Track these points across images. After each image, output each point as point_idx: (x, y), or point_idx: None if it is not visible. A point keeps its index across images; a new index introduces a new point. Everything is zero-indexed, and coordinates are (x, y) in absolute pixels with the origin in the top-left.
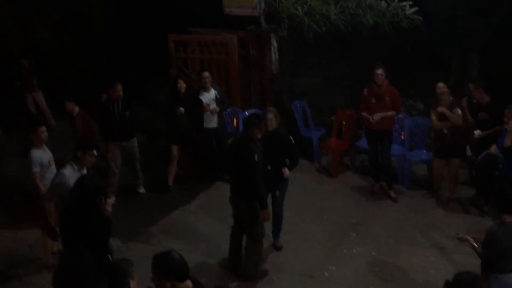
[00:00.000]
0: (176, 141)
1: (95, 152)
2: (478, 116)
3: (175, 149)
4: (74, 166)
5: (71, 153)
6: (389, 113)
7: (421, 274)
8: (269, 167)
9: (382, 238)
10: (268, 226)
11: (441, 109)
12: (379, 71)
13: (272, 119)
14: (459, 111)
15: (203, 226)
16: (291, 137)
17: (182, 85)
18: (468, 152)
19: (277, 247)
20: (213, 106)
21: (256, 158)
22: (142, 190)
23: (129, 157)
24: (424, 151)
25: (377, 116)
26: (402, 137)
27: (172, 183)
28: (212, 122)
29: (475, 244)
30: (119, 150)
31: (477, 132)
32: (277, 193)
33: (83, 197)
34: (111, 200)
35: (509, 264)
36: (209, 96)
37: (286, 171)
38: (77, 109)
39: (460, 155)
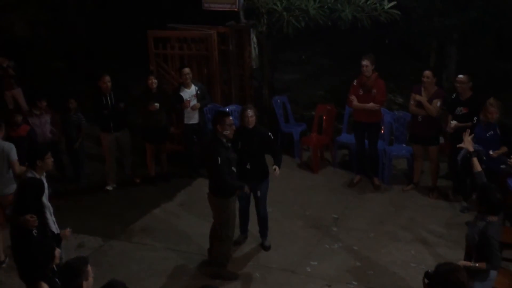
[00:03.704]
0: (148, 139)
1: (50, 154)
2: (455, 111)
3: (148, 147)
4: (35, 174)
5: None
6: (368, 106)
7: (402, 268)
8: (248, 166)
9: (363, 233)
10: (254, 227)
11: (419, 97)
12: (364, 62)
13: (252, 116)
14: (438, 103)
15: (184, 224)
16: (270, 133)
17: (153, 81)
18: (441, 140)
19: (264, 247)
20: (194, 102)
21: (219, 161)
22: (137, 180)
23: (120, 150)
24: (404, 145)
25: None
26: (382, 131)
27: (154, 175)
28: (193, 118)
29: (472, 264)
30: (113, 140)
31: (453, 123)
32: (258, 193)
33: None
34: (109, 187)
35: (499, 261)
36: (189, 92)
37: (277, 170)
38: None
39: (434, 143)
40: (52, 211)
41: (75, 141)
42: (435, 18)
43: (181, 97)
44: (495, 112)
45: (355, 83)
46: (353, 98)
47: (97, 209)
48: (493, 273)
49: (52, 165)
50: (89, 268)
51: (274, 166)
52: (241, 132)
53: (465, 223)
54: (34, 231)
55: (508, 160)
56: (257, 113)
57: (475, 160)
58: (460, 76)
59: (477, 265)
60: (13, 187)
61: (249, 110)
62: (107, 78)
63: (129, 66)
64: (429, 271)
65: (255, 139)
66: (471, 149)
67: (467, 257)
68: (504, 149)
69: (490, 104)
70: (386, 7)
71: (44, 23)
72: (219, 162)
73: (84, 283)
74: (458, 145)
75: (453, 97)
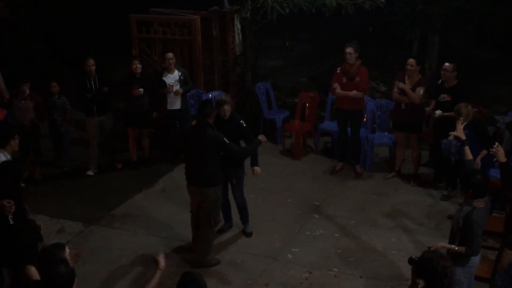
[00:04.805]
0: (131, 123)
1: (17, 135)
2: (439, 98)
3: (131, 132)
4: (6, 153)
5: None
6: (351, 93)
7: (382, 255)
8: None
9: (345, 220)
10: (236, 213)
11: (402, 85)
12: (348, 50)
13: (228, 110)
14: (421, 91)
15: (165, 210)
16: (242, 121)
17: (137, 66)
18: (424, 127)
19: (246, 234)
20: (177, 87)
21: (226, 141)
22: (119, 165)
23: (103, 134)
24: (386, 133)
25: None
26: (365, 119)
27: (135, 160)
28: (175, 103)
29: (452, 246)
30: (97, 124)
31: (438, 112)
32: (234, 180)
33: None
34: (90, 172)
35: (480, 247)
36: (172, 77)
37: (257, 169)
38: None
39: (416, 131)
40: None
41: (60, 126)
42: (418, 7)
43: (164, 82)
44: (462, 119)
45: (338, 71)
46: (336, 85)
47: (78, 194)
48: (474, 260)
49: (17, 146)
50: (67, 254)
51: (253, 168)
52: (215, 120)
53: (447, 217)
54: (10, 217)
55: (490, 150)
56: (234, 103)
57: (467, 148)
58: (446, 64)
59: (456, 248)
60: None
61: (226, 106)
62: (91, 61)
63: (111, 50)
64: (413, 257)
65: (228, 126)
66: (463, 137)
67: (452, 241)
68: (484, 152)
69: (456, 112)
70: None
71: (24, 5)
72: (227, 141)
73: None
74: (450, 133)
75: (438, 82)
